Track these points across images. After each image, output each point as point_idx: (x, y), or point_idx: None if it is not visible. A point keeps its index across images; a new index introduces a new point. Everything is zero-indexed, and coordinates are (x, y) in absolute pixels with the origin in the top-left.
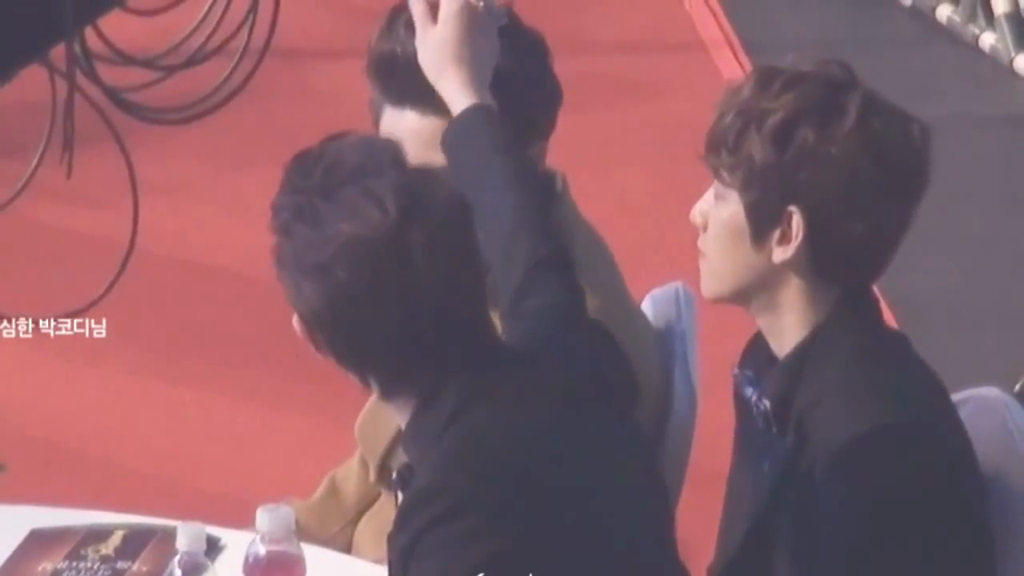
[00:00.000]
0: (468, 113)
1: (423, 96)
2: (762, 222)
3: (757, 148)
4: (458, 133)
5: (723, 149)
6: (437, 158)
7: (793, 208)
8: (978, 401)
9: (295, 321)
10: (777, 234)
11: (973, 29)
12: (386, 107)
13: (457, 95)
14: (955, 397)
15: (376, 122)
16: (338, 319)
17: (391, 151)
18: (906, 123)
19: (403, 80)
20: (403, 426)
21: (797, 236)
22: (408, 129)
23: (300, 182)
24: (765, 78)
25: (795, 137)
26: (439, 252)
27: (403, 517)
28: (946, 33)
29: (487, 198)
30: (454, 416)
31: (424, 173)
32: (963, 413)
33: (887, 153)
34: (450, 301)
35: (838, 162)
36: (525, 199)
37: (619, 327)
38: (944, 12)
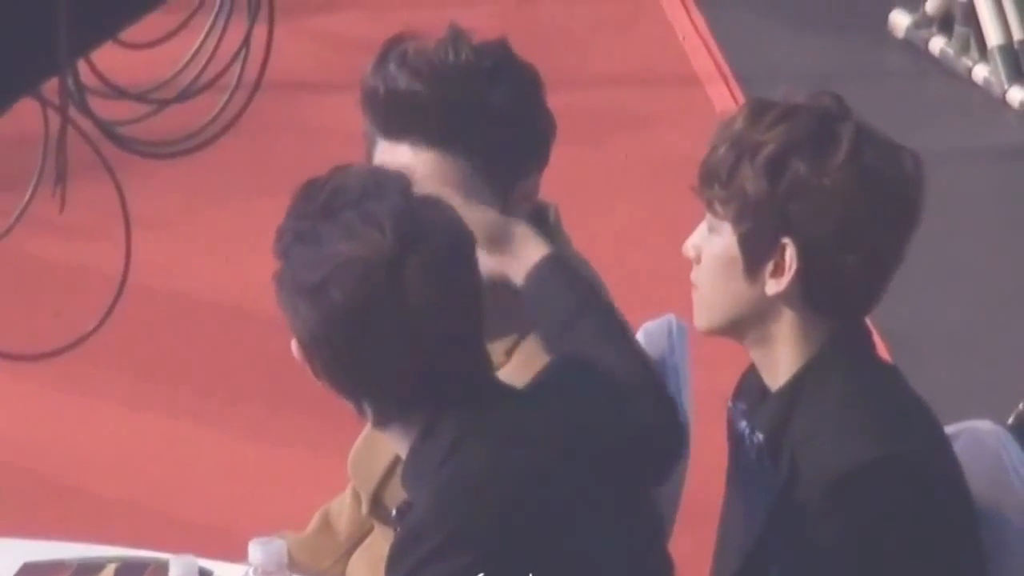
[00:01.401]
0: (545, 266)
1: (416, 130)
2: (755, 254)
3: (750, 180)
4: (539, 288)
5: (716, 182)
6: (430, 191)
7: (786, 240)
8: (971, 433)
9: (293, 346)
10: (770, 266)
11: (966, 62)
12: (380, 140)
13: (526, 244)
14: (949, 429)
15: (370, 155)
16: (333, 341)
17: (396, 179)
18: (899, 155)
19: (396, 114)
20: (401, 455)
21: (790, 268)
22: (402, 162)
23: (304, 207)
24: (757, 110)
25: (788, 169)
26: (436, 280)
27: (395, 554)
28: (939, 65)
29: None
30: (451, 451)
31: (428, 202)
32: (957, 445)
33: (880, 185)
34: (445, 330)
35: (831, 194)
36: (618, 350)
37: None
38: (937, 44)
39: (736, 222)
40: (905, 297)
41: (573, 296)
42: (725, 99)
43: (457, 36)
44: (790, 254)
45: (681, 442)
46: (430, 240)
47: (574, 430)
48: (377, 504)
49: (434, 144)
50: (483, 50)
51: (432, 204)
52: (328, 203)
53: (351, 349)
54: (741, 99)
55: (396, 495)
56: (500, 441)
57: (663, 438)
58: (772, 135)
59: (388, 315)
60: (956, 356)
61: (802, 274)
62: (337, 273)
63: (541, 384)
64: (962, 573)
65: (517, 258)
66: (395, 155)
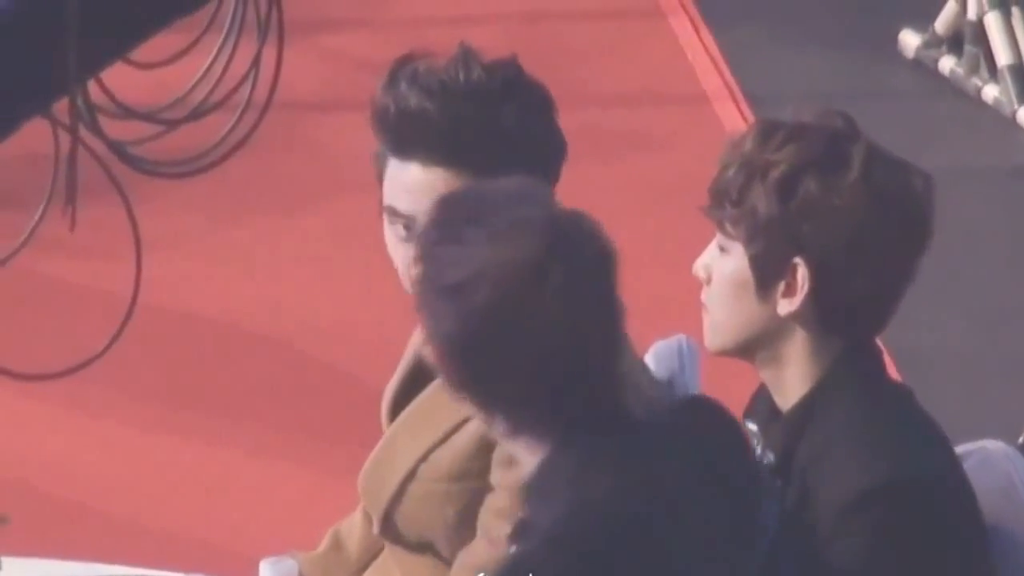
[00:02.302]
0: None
1: (426, 148)
2: (767, 274)
3: (761, 200)
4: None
5: (727, 202)
6: None
7: (798, 260)
8: (982, 454)
9: (428, 351)
10: (782, 286)
11: (976, 81)
12: (390, 159)
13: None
14: (959, 450)
15: (380, 175)
16: (470, 345)
17: (542, 191)
18: (909, 174)
19: (407, 133)
20: (525, 469)
21: (803, 288)
22: (412, 181)
23: (447, 212)
24: (767, 130)
25: (799, 189)
26: (579, 290)
27: (509, 570)
28: (949, 85)
29: None
30: (577, 478)
31: (576, 216)
32: (967, 466)
33: (891, 204)
34: (583, 342)
35: (843, 213)
36: None
37: None
38: (947, 64)
39: (747, 242)
40: (915, 316)
41: None
42: (734, 118)
43: (467, 55)
44: (802, 274)
45: None
46: (576, 251)
47: (705, 469)
48: (387, 524)
49: (444, 162)
50: (493, 69)
51: (578, 217)
52: (474, 209)
53: (488, 352)
54: (750, 118)
55: (406, 516)
56: (626, 475)
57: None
58: (783, 155)
59: (528, 320)
60: (966, 376)
61: (814, 293)
62: (481, 274)
63: (673, 417)
64: None
65: None
66: (406, 174)
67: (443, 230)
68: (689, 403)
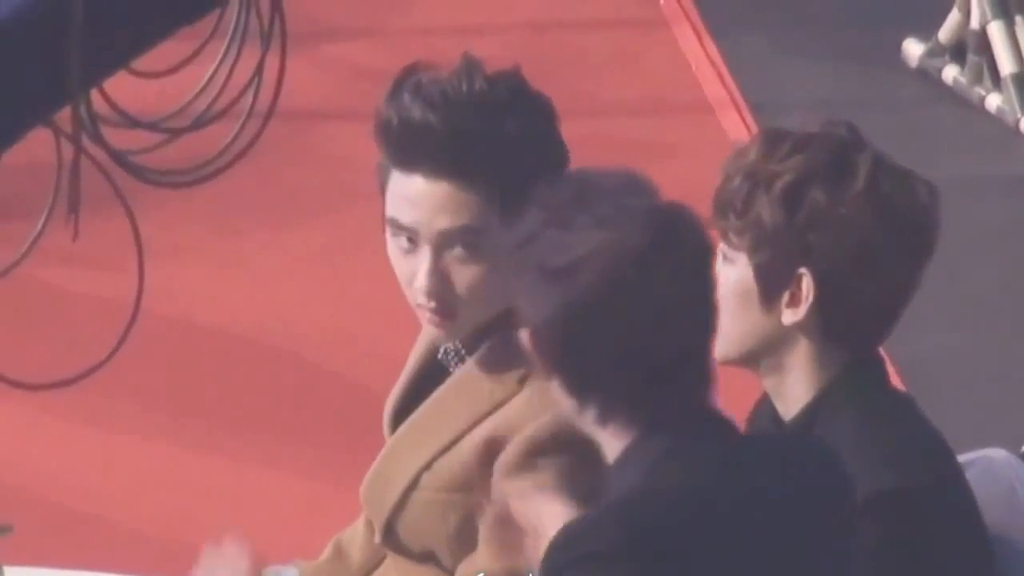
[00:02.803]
0: None
1: (429, 161)
2: (772, 284)
3: (766, 211)
4: None
5: (731, 212)
6: (444, 222)
7: (803, 270)
8: (985, 463)
9: (524, 337)
10: (787, 296)
11: (979, 90)
12: (393, 171)
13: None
14: (962, 458)
15: (382, 186)
16: (572, 329)
17: (647, 183)
18: (914, 184)
19: (410, 145)
20: (608, 459)
21: (807, 298)
22: (416, 193)
23: (551, 199)
24: (772, 140)
25: (805, 199)
26: (683, 280)
27: (555, 547)
28: (952, 94)
29: None
30: (651, 469)
31: (679, 208)
32: (970, 474)
33: (897, 214)
34: (682, 333)
35: (848, 223)
36: None
37: None
38: (950, 73)
39: (752, 252)
40: (918, 326)
41: None
42: (738, 127)
43: (471, 66)
44: (807, 284)
45: None
46: (682, 242)
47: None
48: (389, 533)
49: (447, 175)
50: (496, 80)
51: (681, 209)
52: (580, 195)
53: (591, 337)
54: (754, 127)
55: (408, 525)
56: (698, 472)
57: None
58: (788, 165)
59: (632, 307)
60: (969, 385)
61: (818, 304)
62: (587, 259)
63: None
64: None
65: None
66: (409, 186)
67: (551, 214)
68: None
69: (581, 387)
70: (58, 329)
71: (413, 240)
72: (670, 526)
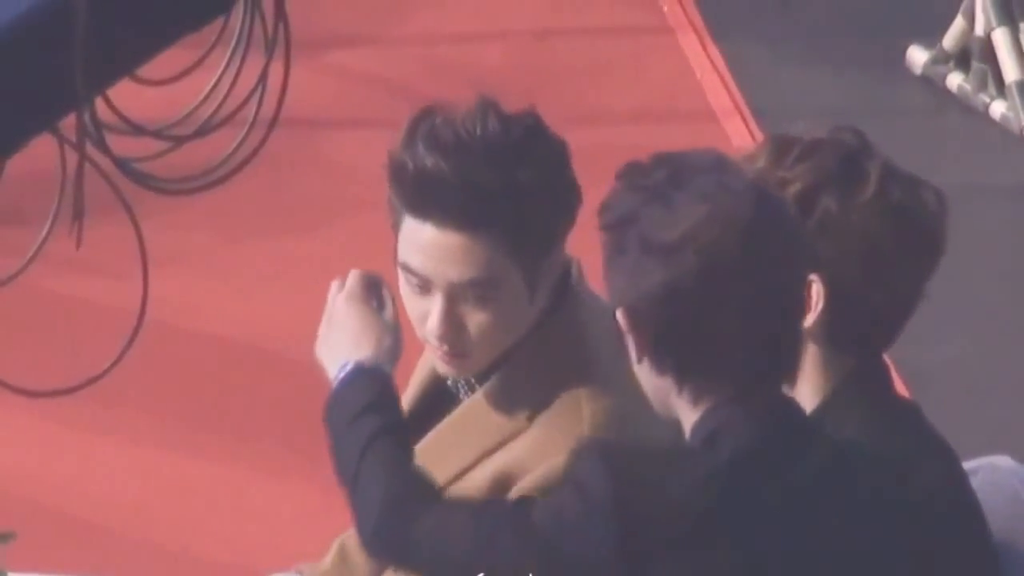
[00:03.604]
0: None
1: (441, 211)
2: None
3: None
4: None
5: None
6: (454, 273)
7: (813, 277)
8: (989, 470)
9: (618, 315)
10: None
11: (983, 97)
12: (406, 216)
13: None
14: (967, 465)
15: (395, 225)
16: (671, 304)
17: (735, 161)
18: (923, 191)
19: (422, 194)
20: (685, 429)
21: (817, 305)
22: (427, 242)
23: (642, 180)
24: (780, 147)
25: (816, 206)
26: (786, 253)
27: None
28: (956, 101)
29: None
30: (707, 440)
31: (768, 187)
32: (975, 481)
33: (907, 221)
34: (781, 308)
35: (859, 231)
36: None
37: (637, 422)
38: (954, 80)
39: None
40: (921, 333)
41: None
42: (742, 134)
43: (485, 108)
44: (816, 291)
45: None
46: (779, 216)
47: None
48: None
49: (458, 226)
50: (511, 123)
51: (774, 188)
52: (675, 174)
53: (697, 310)
54: (758, 134)
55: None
56: (753, 452)
57: None
58: (798, 172)
59: (739, 279)
60: (974, 393)
61: (828, 310)
62: (695, 232)
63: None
64: None
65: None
66: (420, 233)
67: (648, 193)
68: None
69: (683, 364)
70: (62, 337)
71: (424, 286)
72: (679, 500)
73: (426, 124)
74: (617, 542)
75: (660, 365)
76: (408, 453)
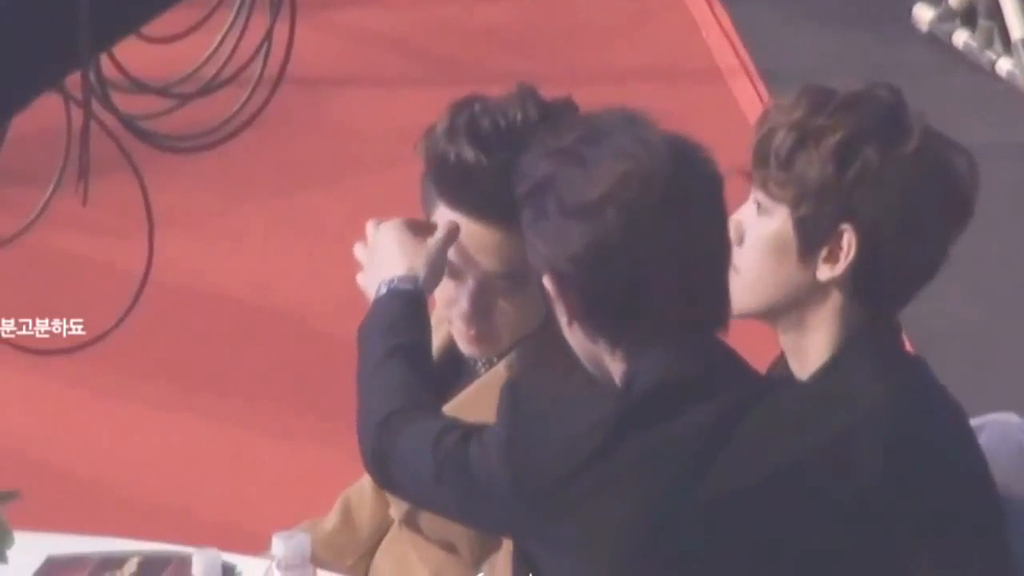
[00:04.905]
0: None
1: (476, 203)
2: (812, 238)
3: (814, 165)
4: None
5: (773, 163)
6: (487, 265)
7: (846, 226)
8: (995, 426)
9: (545, 281)
10: (824, 252)
11: (990, 55)
12: (439, 203)
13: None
14: (973, 422)
15: (426, 206)
16: (597, 265)
17: (646, 115)
18: (959, 150)
19: (459, 185)
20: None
21: (847, 255)
22: (461, 231)
23: (555, 142)
24: (818, 97)
25: (858, 156)
26: (708, 201)
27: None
28: (963, 59)
29: None
30: (624, 387)
31: (685, 136)
32: (981, 438)
33: (945, 179)
34: (706, 259)
35: (898, 184)
36: None
37: None
38: (961, 38)
39: (795, 205)
40: (930, 293)
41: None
42: (748, 94)
43: (525, 95)
44: (848, 240)
45: None
46: (697, 166)
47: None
48: (410, 522)
49: (493, 219)
50: (550, 109)
51: (686, 137)
52: (587, 133)
53: (624, 269)
54: (765, 94)
55: (431, 519)
56: (666, 388)
57: None
58: (839, 121)
59: (662, 234)
60: (980, 352)
61: (857, 262)
62: (614, 191)
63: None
64: (985, 564)
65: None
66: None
67: (561, 155)
68: None
69: (615, 324)
70: (68, 297)
71: (455, 272)
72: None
73: (466, 114)
74: (511, 480)
75: (591, 327)
76: (420, 375)
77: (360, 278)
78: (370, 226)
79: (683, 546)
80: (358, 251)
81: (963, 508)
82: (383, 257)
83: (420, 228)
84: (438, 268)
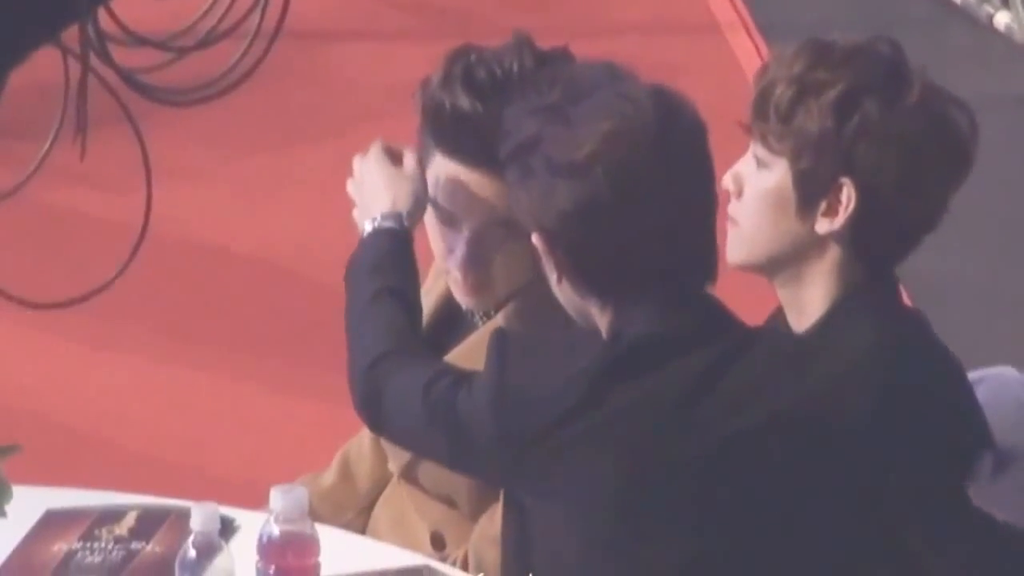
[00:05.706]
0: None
1: (473, 150)
2: (811, 192)
3: (814, 118)
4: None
5: (774, 116)
6: (483, 213)
7: (845, 180)
8: (994, 380)
9: (534, 239)
10: (823, 205)
11: (988, 8)
12: (435, 152)
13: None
14: (971, 375)
15: (423, 163)
16: (586, 223)
17: (625, 67)
18: (958, 104)
19: (455, 133)
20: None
21: (847, 208)
22: (457, 180)
23: (539, 99)
24: (819, 50)
25: (858, 109)
26: (697, 152)
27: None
28: (961, 12)
29: None
30: (610, 338)
31: (667, 88)
32: (979, 391)
33: (945, 132)
34: (692, 218)
35: (899, 137)
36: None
37: None
38: None
39: (795, 158)
40: (928, 246)
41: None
42: (747, 49)
43: (521, 44)
44: (847, 194)
45: None
46: (685, 114)
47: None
48: (409, 476)
49: (489, 165)
50: (546, 59)
51: (668, 89)
52: (570, 90)
53: (615, 225)
54: (764, 49)
55: (429, 472)
56: (653, 340)
57: None
58: (840, 75)
59: (647, 188)
60: (978, 305)
61: (855, 215)
62: (601, 150)
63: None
64: (977, 512)
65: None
66: (450, 171)
67: (546, 113)
68: None
69: (603, 280)
70: (65, 250)
71: (451, 221)
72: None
73: (462, 63)
74: (498, 426)
75: (580, 283)
76: (407, 316)
77: (355, 214)
78: (356, 161)
79: (669, 494)
80: (349, 187)
81: (956, 455)
82: (369, 191)
83: (396, 156)
84: (420, 198)
